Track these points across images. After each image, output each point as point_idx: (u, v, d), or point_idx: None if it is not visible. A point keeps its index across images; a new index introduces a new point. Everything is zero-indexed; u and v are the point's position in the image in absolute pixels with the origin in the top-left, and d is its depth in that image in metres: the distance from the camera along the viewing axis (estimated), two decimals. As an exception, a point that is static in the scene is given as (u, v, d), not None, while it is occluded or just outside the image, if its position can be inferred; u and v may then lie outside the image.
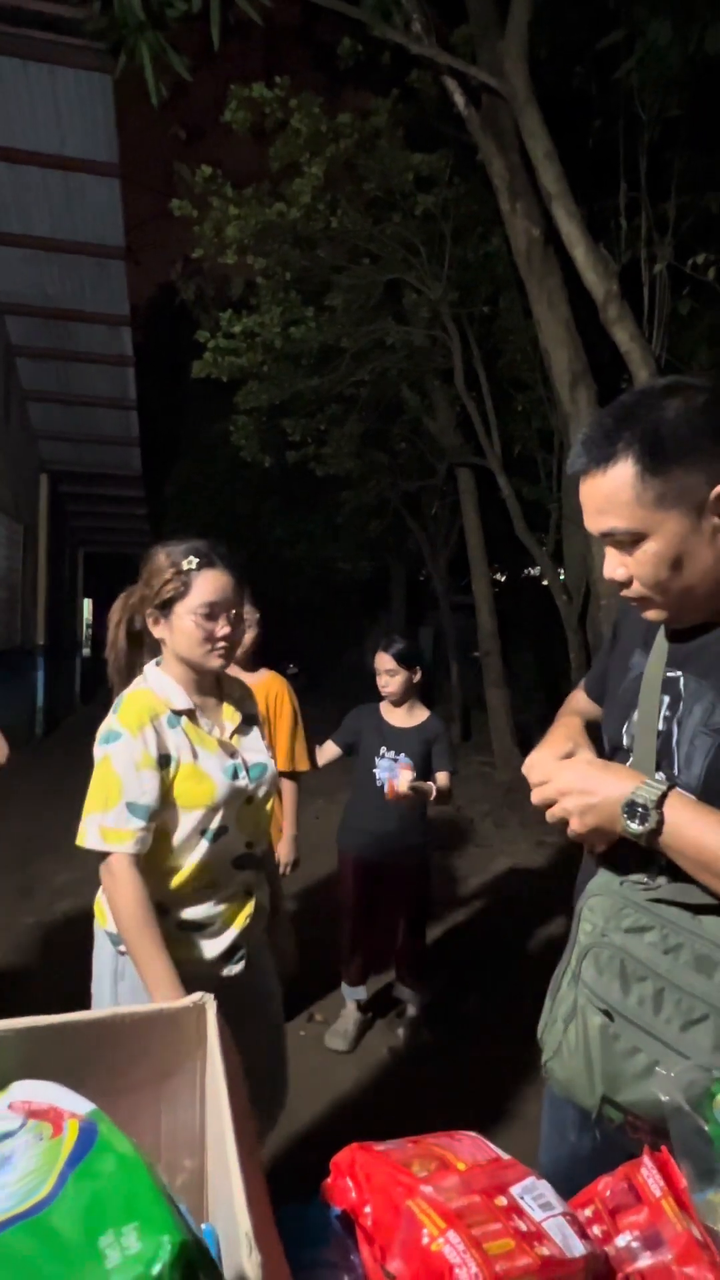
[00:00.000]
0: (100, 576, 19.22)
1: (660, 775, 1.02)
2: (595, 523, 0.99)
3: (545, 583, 10.27)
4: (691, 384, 0.97)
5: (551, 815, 1.02)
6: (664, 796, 0.94)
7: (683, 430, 0.94)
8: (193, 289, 9.06)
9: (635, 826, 0.94)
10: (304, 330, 7.44)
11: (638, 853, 0.99)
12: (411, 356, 8.08)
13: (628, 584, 1.01)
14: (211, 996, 0.87)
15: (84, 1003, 1.54)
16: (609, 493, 0.96)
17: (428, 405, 8.96)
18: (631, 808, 0.94)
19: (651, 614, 1.04)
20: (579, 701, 1.35)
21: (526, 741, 8.64)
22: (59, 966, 3.30)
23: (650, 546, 0.97)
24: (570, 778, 1.01)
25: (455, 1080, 2.76)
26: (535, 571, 14.37)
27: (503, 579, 14.11)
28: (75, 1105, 0.52)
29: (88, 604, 19.24)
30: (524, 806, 6.63)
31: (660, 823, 0.93)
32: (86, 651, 17.94)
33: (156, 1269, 0.35)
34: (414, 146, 6.81)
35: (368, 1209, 0.73)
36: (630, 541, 0.98)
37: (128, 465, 11.31)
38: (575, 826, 1.00)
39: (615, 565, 1.01)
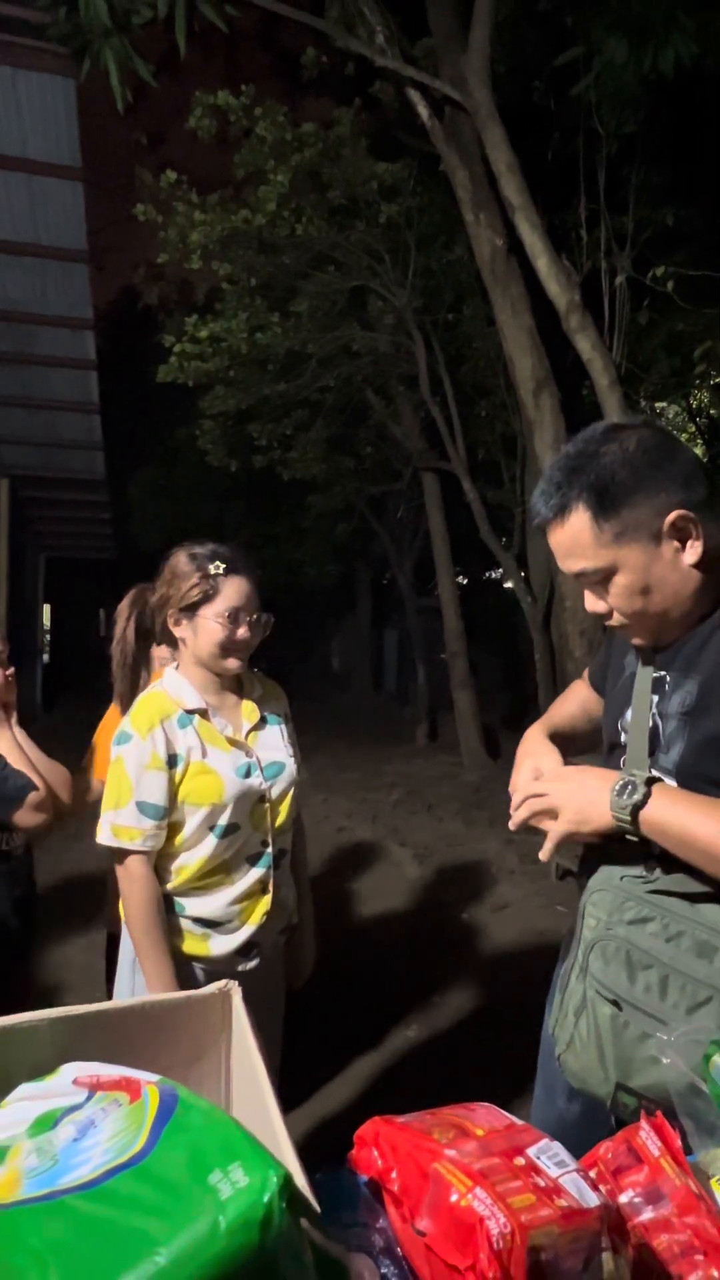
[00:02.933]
0: (62, 581, 18.95)
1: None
2: (566, 565, 1.09)
3: (507, 585, 10.43)
4: (627, 425, 1.07)
5: (535, 806, 1.09)
6: (649, 781, 1.02)
7: (623, 473, 1.03)
8: (155, 294, 9.03)
9: (623, 800, 1.01)
10: (270, 336, 7.47)
11: (632, 848, 1.06)
12: (377, 362, 8.16)
13: (609, 615, 1.10)
14: (236, 984, 0.92)
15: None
16: (571, 539, 1.06)
17: (393, 410, 9.05)
18: (622, 788, 1.02)
19: (636, 640, 1.14)
20: (577, 692, 1.42)
21: (493, 742, 8.77)
22: None
23: (620, 580, 1.06)
24: (552, 775, 1.11)
25: (454, 1063, 2.82)
26: (496, 574, 14.58)
27: (465, 582, 14.26)
28: (143, 1076, 0.56)
29: (46, 609, 18.96)
30: (492, 805, 6.74)
31: (647, 796, 1.01)
32: (46, 658, 17.67)
33: (266, 1197, 0.40)
34: (377, 156, 6.89)
35: (394, 1174, 0.78)
36: (601, 579, 1.07)
37: (91, 470, 11.19)
38: (565, 826, 1.06)
39: (594, 601, 1.11)
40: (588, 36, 4.89)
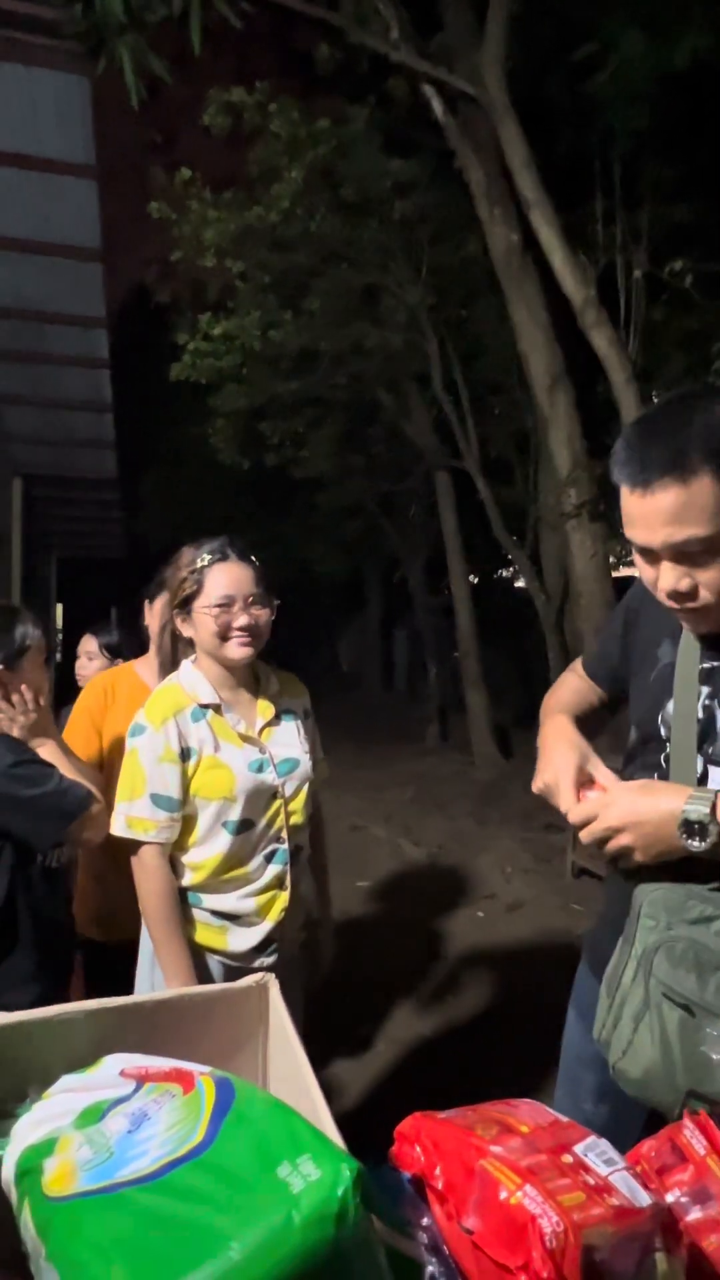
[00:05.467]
0: (74, 581, 19.01)
1: (701, 778, 1.06)
2: (667, 534, 0.97)
3: (519, 584, 10.38)
4: None
5: (611, 849, 1.04)
6: (715, 806, 0.97)
7: None
8: (168, 292, 9.04)
9: (698, 845, 0.97)
10: (282, 333, 7.47)
11: (692, 860, 1.01)
12: (389, 360, 8.14)
13: (691, 595, 1.00)
14: (273, 976, 0.90)
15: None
16: (685, 503, 0.95)
17: (405, 408, 9.03)
18: (689, 826, 0.97)
19: (703, 628, 1.05)
20: (571, 684, 1.36)
21: (505, 741, 8.73)
22: None
23: None
24: (619, 812, 1.02)
25: (469, 1061, 2.81)
26: (508, 573, 14.53)
27: (476, 581, 14.23)
28: (195, 1067, 0.54)
29: (59, 609, 19.00)
30: (505, 804, 6.71)
31: None
32: (59, 657, 17.71)
33: (340, 1191, 0.38)
34: (391, 152, 6.88)
35: (438, 1170, 0.76)
36: (707, 551, 0.97)
37: (103, 469, 11.21)
38: (640, 859, 1.02)
39: (679, 577, 0.99)
40: (603, 31, 4.87)
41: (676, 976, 0.98)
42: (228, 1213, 0.39)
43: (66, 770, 1.62)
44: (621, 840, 1.01)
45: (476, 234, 6.20)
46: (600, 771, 1.11)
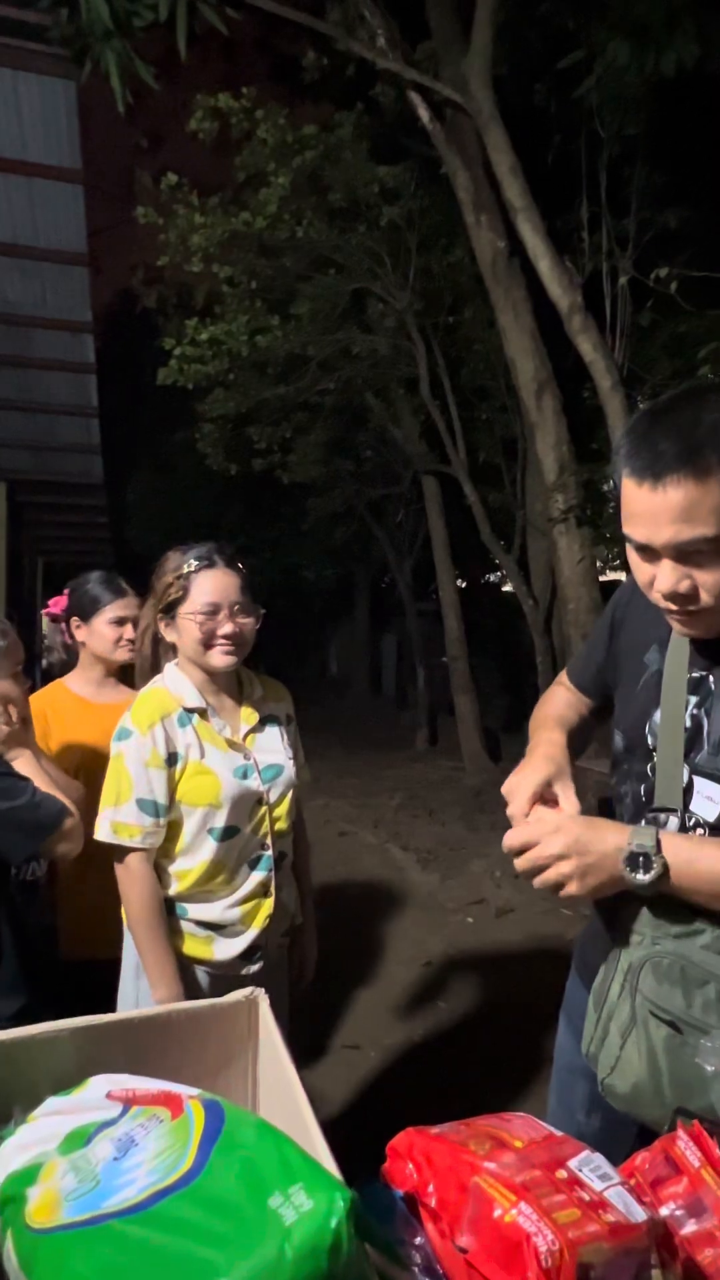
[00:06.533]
0: (59, 586, 18.91)
1: (686, 787, 1.04)
2: (674, 531, 0.93)
3: (507, 588, 10.39)
4: None
5: (544, 880, 0.98)
6: (659, 841, 0.95)
7: None
8: (154, 297, 9.02)
9: (641, 877, 0.94)
10: (270, 338, 7.46)
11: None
12: (377, 365, 8.15)
13: (690, 598, 0.97)
14: (263, 991, 0.89)
15: None
16: (696, 501, 0.91)
17: (393, 413, 9.04)
18: (633, 859, 0.95)
19: (694, 632, 1.02)
20: (560, 696, 1.34)
21: (494, 746, 8.73)
22: None
23: None
24: (561, 841, 0.97)
25: (459, 1069, 2.79)
26: (495, 578, 14.56)
27: (464, 585, 14.26)
28: (183, 1089, 0.53)
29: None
30: (494, 809, 6.71)
31: (665, 866, 0.94)
32: (44, 663, 17.59)
33: (334, 1222, 0.37)
34: (378, 158, 6.89)
35: (431, 1188, 0.75)
36: (709, 552, 0.94)
37: (89, 473, 11.17)
38: (574, 890, 0.97)
39: (680, 578, 0.96)
40: (589, 39, 4.89)
41: (662, 993, 0.97)
42: (218, 1246, 0.38)
43: (42, 782, 1.57)
44: (561, 868, 0.96)
45: (464, 239, 6.22)
46: (565, 794, 1.07)
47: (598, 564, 6.01)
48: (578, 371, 5.28)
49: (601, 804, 2.34)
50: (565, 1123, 1.29)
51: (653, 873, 0.94)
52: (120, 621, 1.99)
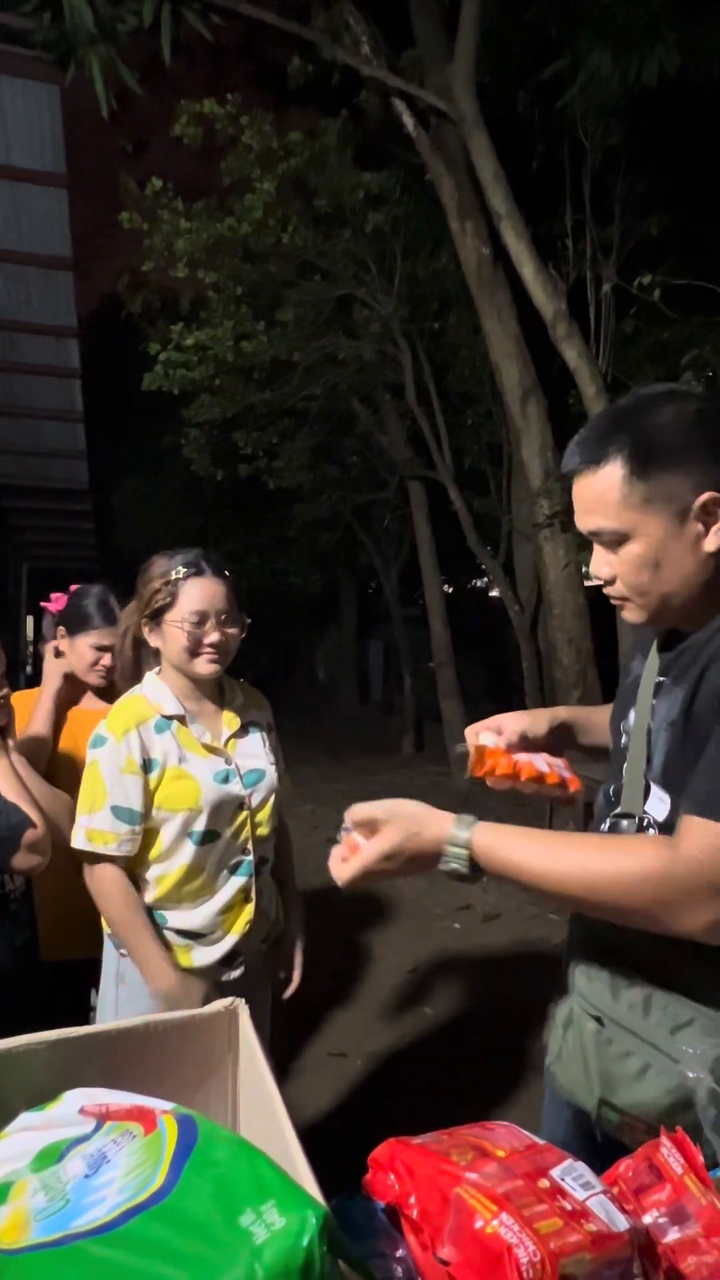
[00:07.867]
0: (44, 592, 18.80)
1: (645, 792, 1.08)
2: (583, 521, 1.03)
3: (493, 594, 10.41)
4: (689, 392, 1.01)
5: (373, 850, 1.02)
6: (475, 828, 1.00)
7: (674, 437, 0.97)
8: (139, 302, 9.00)
9: (454, 865, 0.99)
10: (255, 344, 7.46)
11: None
12: (362, 371, 8.16)
13: (611, 582, 1.04)
14: (242, 1002, 0.88)
15: None
16: (598, 493, 0.99)
17: (379, 419, 9.05)
18: (452, 840, 0.99)
19: (630, 614, 1.07)
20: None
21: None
22: None
23: (633, 548, 0.99)
24: (391, 806, 1.04)
25: (447, 1074, 2.78)
26: (481, 584, 14.59)
27: (450, 591, 14.30)
28: (156, 1104, 0.52)
29: (29, 621, 18.76)
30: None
31: (474, 865, 0.99)
32: (29, 670, 17.47)
33: (306, 1240, 0.36)
34: (363, 165, 6.91)
35: (412, 1199, 0.74)
36: (615, 542, 1.01)
37: (74, 479, 11.12)
38: (389, 866, 1.02)
39: (601, 564, 1.05)
40: (573, 48, 4.93)
41: (593, 990, 1.03)
42: (186, 1266, 0.36)
43: (10, 793, 1.51)
44: (386, 835, 1.01)
45: (449, 246, 6.25)
46: (509, 726, 1.19)
47: (583, 569, 6.04)
48: (562, 378, 5.31)
49: (587, 806, 2.37)
50: (556, 1117, 1.30)
51: (461, 863, 0.98)
52: (102, 649, 1.96)
